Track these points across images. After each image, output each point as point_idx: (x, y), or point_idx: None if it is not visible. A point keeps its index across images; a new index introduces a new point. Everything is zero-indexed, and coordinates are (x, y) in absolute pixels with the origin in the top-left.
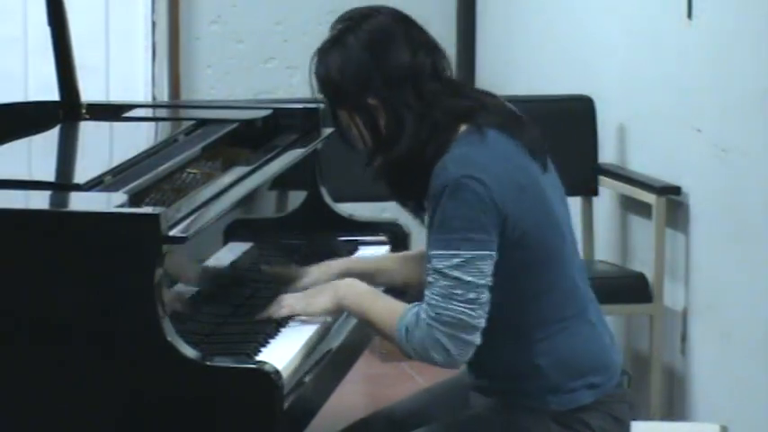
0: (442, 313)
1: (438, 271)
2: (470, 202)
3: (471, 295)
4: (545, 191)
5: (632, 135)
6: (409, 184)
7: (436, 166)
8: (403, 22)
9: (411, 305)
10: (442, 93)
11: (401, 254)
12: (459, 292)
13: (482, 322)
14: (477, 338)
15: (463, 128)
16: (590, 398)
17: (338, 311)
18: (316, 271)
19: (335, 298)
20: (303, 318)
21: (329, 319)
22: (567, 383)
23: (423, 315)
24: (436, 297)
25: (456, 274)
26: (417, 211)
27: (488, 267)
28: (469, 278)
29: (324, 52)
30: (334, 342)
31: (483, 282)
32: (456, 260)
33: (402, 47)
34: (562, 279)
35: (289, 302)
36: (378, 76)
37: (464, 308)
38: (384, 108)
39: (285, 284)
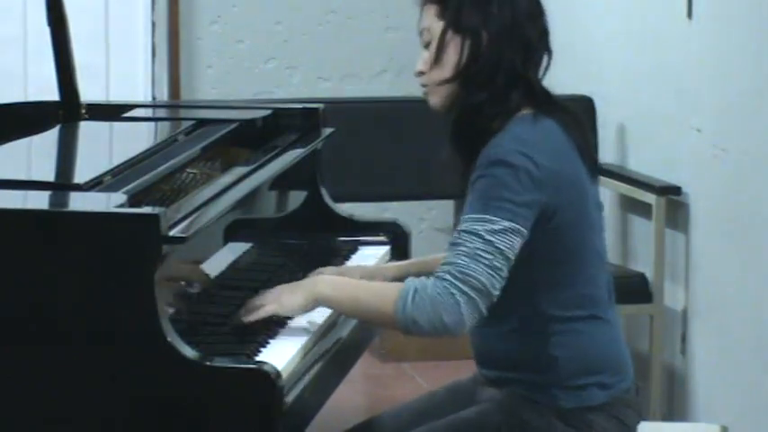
0: (467, 272)
1: (472, 232)
2: (521, 178)
3: (497, 263)
4: (586, 192)
5: (632, 135)
6: (464, 136)
7: (493, 140)
8: None
9: (412, 278)
10: (534, 75)
11: (397, 263)
12: (487, 255)
13: (497, 295)
14: (485, 310)
15: (525, 111)
16: (599, 398)
17: (314, 306)
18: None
19: (311, 293)
20: (303, 318)
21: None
22: (578, 379)
23: (441, 274)
24: (462, 256)
25: (490, 238)
26: (465, 168)
27: (518, 244)
28: (501, 246)
29: None
30: (335, 342)
31: (510, 255)
32: (493, 226)
33: (538, 14)
34: (581, 278)
35: (259, 303)
36: (506, 19)
37: (488, 272)
38: (490, 50)
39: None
